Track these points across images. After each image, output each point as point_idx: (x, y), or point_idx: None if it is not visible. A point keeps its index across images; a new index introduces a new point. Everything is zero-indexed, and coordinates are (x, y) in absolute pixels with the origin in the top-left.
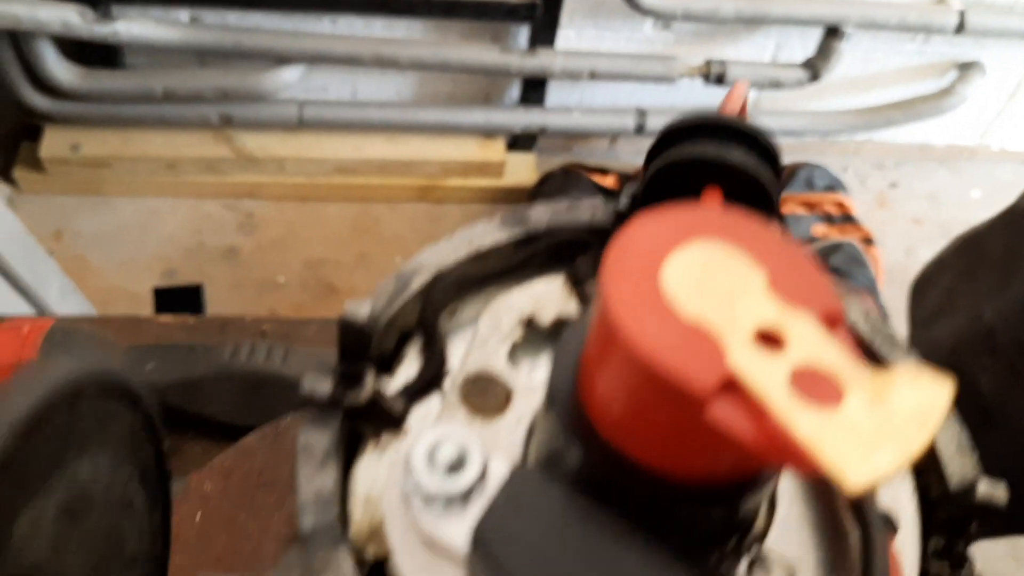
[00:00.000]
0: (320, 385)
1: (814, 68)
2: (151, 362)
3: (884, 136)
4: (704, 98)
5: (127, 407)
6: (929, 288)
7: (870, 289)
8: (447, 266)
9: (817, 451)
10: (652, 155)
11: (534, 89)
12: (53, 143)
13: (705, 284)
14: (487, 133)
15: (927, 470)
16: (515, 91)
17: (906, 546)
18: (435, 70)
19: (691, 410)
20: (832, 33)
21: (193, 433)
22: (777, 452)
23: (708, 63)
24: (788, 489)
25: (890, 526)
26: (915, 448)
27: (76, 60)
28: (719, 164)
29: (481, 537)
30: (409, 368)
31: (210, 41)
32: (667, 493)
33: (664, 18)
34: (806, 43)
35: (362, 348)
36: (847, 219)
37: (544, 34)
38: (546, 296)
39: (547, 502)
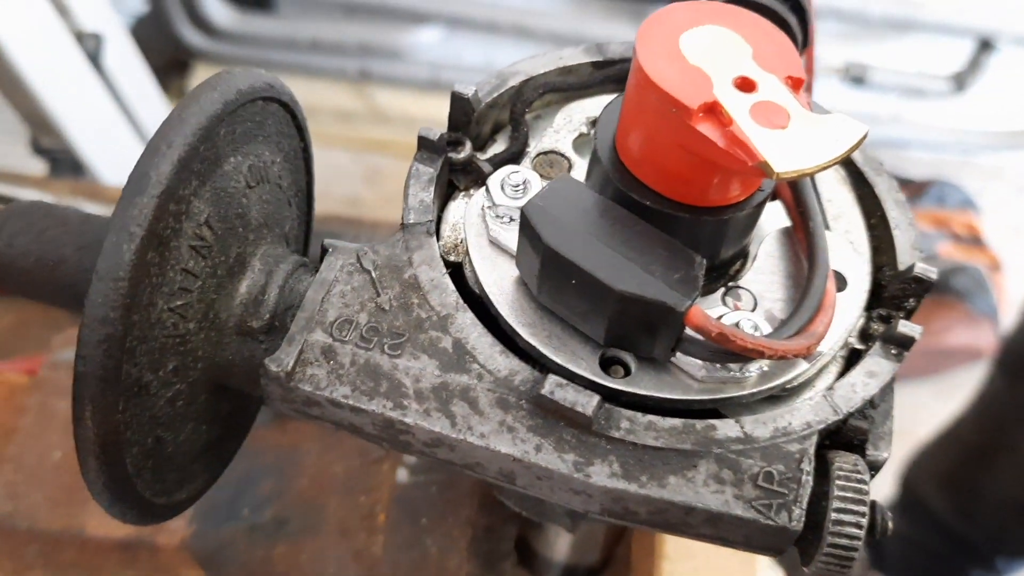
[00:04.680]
0: (431, 132)
1: (960, 81)
2: None
3: None
4: (839, 99)
5: (288, 115)
6: None
7: (990, 316)
8: (538, 74)
9: (761, 151)
10: None
11: None
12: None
13: (708, 49)
14: None
15: (885, 264)
16: None
17: (850, 302)
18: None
19: (686, 129)
20: (984, 47)
21: None
22: (736, 154)
23: (848, 64)
24: (765, 250)
25: (840, 280)
26: (829, 160)
27: (233, 2)
28: (756, 5)
29: (527, 212)
30: (498, 148)
31: None
32: (671, 206)
33: None
34: (955, 55)
35: (465, 119)
36: (976, 241)
37: None
38: None
39: (582, 197)
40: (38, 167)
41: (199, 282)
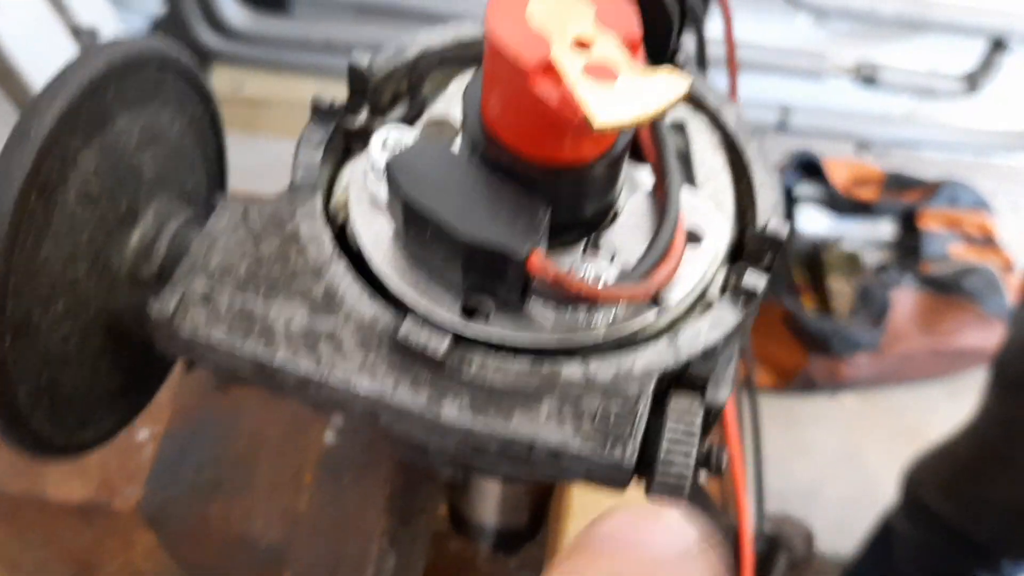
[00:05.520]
0: (323, 99)
1: (973, 81)
2: None
3: None
4: (851, 99)
5: (190, 85)
6: None
7: (1003, 317)
8: (435, 46)
9: (585, 105)
10: None
11: None
12: (219, 81)
13: (553, 13)
14: None
15: (749, 223)
16: None
17: (704, 256)
18: None
19: (527, 90)
20: (997, 47)
21: None
22: (567, 110)
23: (859, 64)
24: (630, 209)
25: (694, 235)
26: (645, 113)
27: (249, 3)
28: None
29: (390, 165)
30: (396, 113)
31: None
32: (524, 165)
33: (819, 12)
34: (968, 55)
35: (361, 88)
36: (988, 242)
37: None
38: None
39: (444, 155)
40: None
41: (88, 227)
